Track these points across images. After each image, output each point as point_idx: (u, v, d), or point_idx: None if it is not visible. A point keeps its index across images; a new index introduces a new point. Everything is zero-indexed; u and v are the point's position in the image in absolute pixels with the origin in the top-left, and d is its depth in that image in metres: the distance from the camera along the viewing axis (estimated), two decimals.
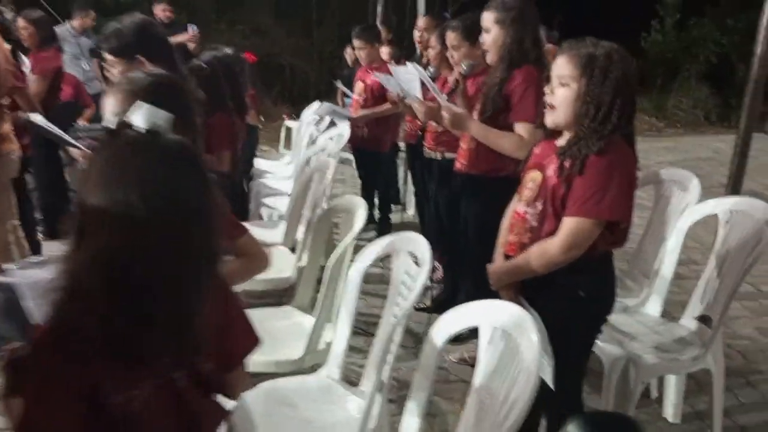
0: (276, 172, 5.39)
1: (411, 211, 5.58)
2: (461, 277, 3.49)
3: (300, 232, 3.39)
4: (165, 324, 1.08)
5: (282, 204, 4.25)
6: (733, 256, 2.42)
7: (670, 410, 2.73)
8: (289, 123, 7.68)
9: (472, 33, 3.04)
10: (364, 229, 5.07)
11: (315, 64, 12.50)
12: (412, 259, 2.08)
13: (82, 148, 2.60)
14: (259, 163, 5.71)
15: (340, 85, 6.51)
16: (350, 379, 2.32)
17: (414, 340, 3.26)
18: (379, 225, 5.20)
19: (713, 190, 4.86)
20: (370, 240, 2.42)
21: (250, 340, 1.30)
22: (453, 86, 2.91)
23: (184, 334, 1.11)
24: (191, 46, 5.82)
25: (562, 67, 1.89)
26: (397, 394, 2.74)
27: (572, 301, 1.98)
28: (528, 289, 2.04)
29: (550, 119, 1.95)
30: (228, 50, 4.31)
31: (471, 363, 2.31)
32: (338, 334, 2.25)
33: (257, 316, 2.66)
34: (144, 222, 1.03)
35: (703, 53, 12.35)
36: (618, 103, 1.83)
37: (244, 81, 4.53)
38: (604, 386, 2.42)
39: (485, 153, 2.72)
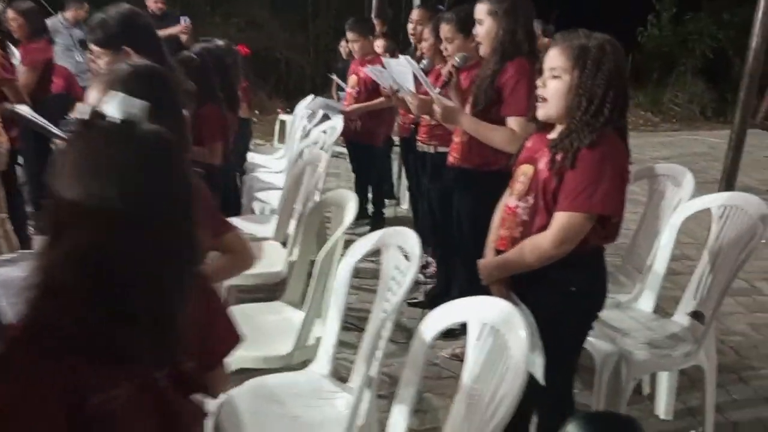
0: (269, 166, 5.36)
1: (405, 205, 5.55)
2: (454, 271, 3.47)
3: (292, 227, 3.36)
4: (144, 322, 1.05)
5: (274, 198, 4.23)
6: (726, 251, 2.40)
7: (662, 407, 2.71)
8: (283, 116, 7.65)
9: (466, 25, 3.01)
10: (358, 224, 5.13)
11: (311, 57, 12.47)
12: (402, 253, 2.05)
13: None
14: (252, 157, 5.67)
15: (335, 77, 6.47)
16: (342, 374, 2.31)
17: (406, 335, 3.24)
18: (373, 219, 5.17)
19: (708, 185, 4.83)
20: (363, 235, 2.39)
21: (232, 338, 1.27)
22: (446, 79, 2.88)
23: (164, 332, 1.08)
24: (183, 38, 5.76)
25: (554, 58, 1.86)
26: (388, 390, 2.71)
27: (563, 297, 1.96)
28: (519, 284, 2.01)
29: (542, 112, 1.93)
30: (220, 42, 4.28)
31: (463, 359, 2.29)
32: (328, 330, 2.23)
33: (247, 311, 2.69)
34: (120, 216, 1.00)
35: (699, 48, 12.34)
36: (610, 96, 1.80)
37: (236, 73, 4.49)
38: (596, 383, 2.40)
39: (477, 147, 2.69)
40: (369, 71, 3.76)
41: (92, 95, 1.60)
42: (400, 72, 3.09)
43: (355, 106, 4.79)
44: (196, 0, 11.28)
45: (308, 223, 2.76)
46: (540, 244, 1.89)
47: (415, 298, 3.87)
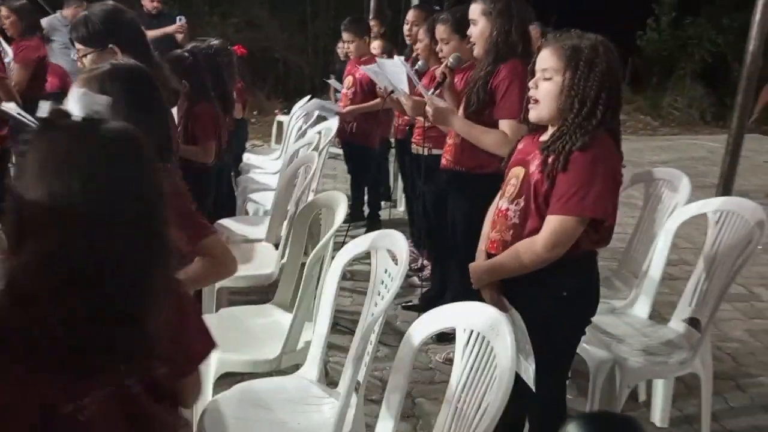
0: (265, 167, 5.32)
1: (401, 207, 5.51)
2: (449, 275, 3.43)
3: (285, 228, 3.32)
4: (115, 329, 1.01)
5: (268, 199, 4.18)
6: (722, 258, 2.36)
7: (658, 414, 2.67)
8: (280, 117, 7.61)
9: (461, 26, 2.97)
10: (354, 226, 5.10)
11: (309, 57, 12.44)
12: (391, 256, 2.01)
13: None
14: (248, 157, 5.64)
15: (332, 81, 6.44)
16: (335, 379, 2.26)
17: (400, 339, 3.19)
18: (368, 221, 5.13)
19: (706, 189, 4.80)
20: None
21: (206, 344, 1.22)
22: (440, 80, 2.84)
23: (136, 339, 1.04)
24: (179, 37, 5.73)
25: (545, 59, 1.83)
26: (381, 394, 2.67)
27: (555, 301, 1.92)
28: (510, 289, 1.98)
29: (534, 114, 1.89)
30: (214, 42, 4.24)
31: None
32: (316, 334, 2.18)
33: (236, 314, 2.65)
34: (85, 216, 0.96)
35: (698, 52, 12.32)
36: (603, 97, 1.76)
37: (231, 73, 4.46)
38: (590, 389, 2.36)
39: (470, 149, 2.65)
40: (366, 70, 3.72)
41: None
42: (395, 73, 3.05)
43: (351, 107, 4.75)
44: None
45: (298, 224, 2.72)
46: (531, 247, 1.85)
47: (410, 302, 3.83)
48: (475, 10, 2.61)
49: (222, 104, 3.68)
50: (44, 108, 0.98)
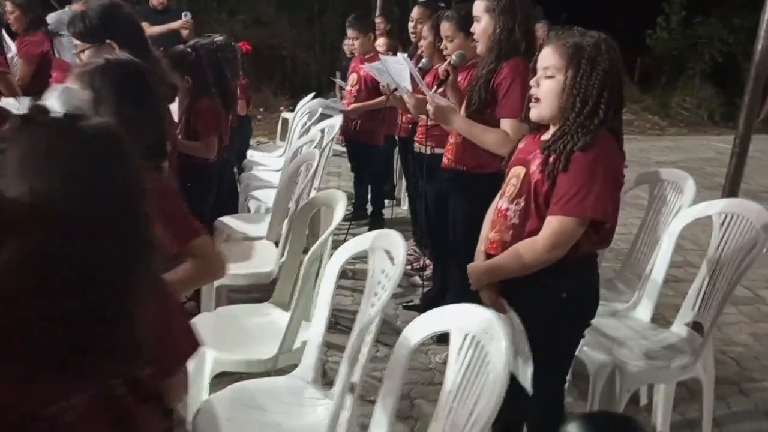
0: (268, 164, 5.30)
1: (405, 206, 5.48)
2: (451, 275, 3.40)
3: (285, 226, 3.30)
4: (98, 329, 0.99)
5: (270, 197, 4.16)
6: (726, 261, 2.32)
7: (660, 418, 2.61)
8: (286, 114, 7.59)
9: (466, 23, 2.92)
10: (357, 224, 5.06)
11: (316, 54, 12.40)
12: (389, 257, 1.98)
13: None
14: (252, 154, 5.62)
15: (337, 81, 6.41)
16: (333, 379, 2.23)
17: None
18: (371, 220, 5.10)
19: (714, 191, 4.75)
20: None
21: (190, 344, 1.20)
22: (443, 77, 2.81)
23: (120, 339, 1.02)
24: (185, 33, 5.71)
25: (547, 57, 1.79)
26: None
27: (554, 303, 1.89)
28: (509, 290, 1.95)
29: (535, 112, 1.86)
30: (218, 38, 4.23)
31: None
32: (313, 334, 2.16)
33: (233, 313, 2.63)
34: (66, 215, 0.93)
35: (708, 52, 12.22)
36: (605, 96, 1.73)
37: (235, 69, 4.45)
38: (590, 393, 2.33)
39: (472, 148, 2.62)
40: (369, 67, 3.69)
41: None
42: (397, 70, 3.02)
43: (355, 105, 4.72)
44: None
45: (298, 223, 2.70)
46: (530, 248, 1.82)
47: (411, 301, 3.81)
48: (478, 7, 2.58)
49: (223, 100, 3.66)
50: (24, 104, 0.95)
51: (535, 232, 1.83)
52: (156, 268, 1.10)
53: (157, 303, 1.10)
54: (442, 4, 4.00)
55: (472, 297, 2.03)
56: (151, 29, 5.79)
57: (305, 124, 4.91)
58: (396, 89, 3.20)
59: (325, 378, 2.60)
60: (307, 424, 1.92)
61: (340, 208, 2.42)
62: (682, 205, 2.68)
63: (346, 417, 1.85)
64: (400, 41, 5.34)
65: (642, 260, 2.82)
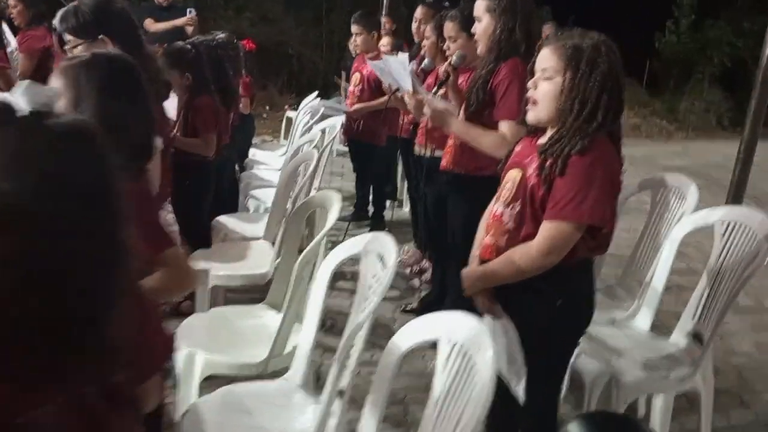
0: (270, 163, 5.26)
1: (407, 207, 5.44)
2: (450, 278, 3.35)
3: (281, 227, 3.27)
4: (71, 334, 0.95)
5: (270, 196, 4.12)
6: (727, 270, 2.27)
7: (657, 429, 2.57)
8: (290, 113, 7.56)
9: (470, 24, 2.88)
10: (358, 225, 5.03)
11: (323, 53, 12.38)
12: (380, 260, 1.94)
13: None
14: (254, 153, 5.59)
15: (342, 81, 6.38)
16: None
17: None
18: (372, 221, 5.07)
19: (720, 197, 4.69)
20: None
21: (165, 349, 1.17)
22: (443, 77, 2.77)
23: (94, 344, 0.98)
24: (189, 30, 5.68)
25: (546, 59, 1.75)
26: None
27: (550, 310, 1.85)
28: (504, 296, 1.91)
29: (532, 115, 1.81)
30: (221, 35, 4.20)
31: None
32: (303, 337, 2.12)
33: (226, 314, 2.59)
34: (37, 217, 0.90)
35: (717, 56, 12.14)
36: (604, 99, 1.69)
37: (237, 67, 4.41)
38: (585, 403, 2.28)
39: (470, 151, 2.57)
40: (371, 65, 3.65)
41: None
42: (399, 70, 2.98)
43: (358, 106, 4.68)
44: None
45: (293, 223, 2.66)
46: (525, 254, 1.78)
47: (409, 304, 3.77)
48: (479, 7, 2.54)
49: (224, 98, 3.63)
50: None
51: (531, 237, 1.78)
52: (131, 271, 1.06)
53: (132, 307, 1.07)
54: (447, 4, 3.96)
55: (470, 301, 1.99)
56: (155, 26, 5.78)
57: (308, 122, 4.88)
58: (398, 89, 3.16)
59: (319, 382, 2.56)
60: (294, 430, 1.88)
61: (335, 209, 2.38)
62: (684, 211, 2.63)
63: (334, 423, 1.82)
64: (406, 41, 5.30)
65: (643, 267, 2.77)
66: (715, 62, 12.24)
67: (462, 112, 2.65)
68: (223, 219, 3.59)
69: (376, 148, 4.82)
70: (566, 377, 2.55)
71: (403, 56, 3.05)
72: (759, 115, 2.87)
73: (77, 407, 1.01)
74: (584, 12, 10.60)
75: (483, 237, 1.96)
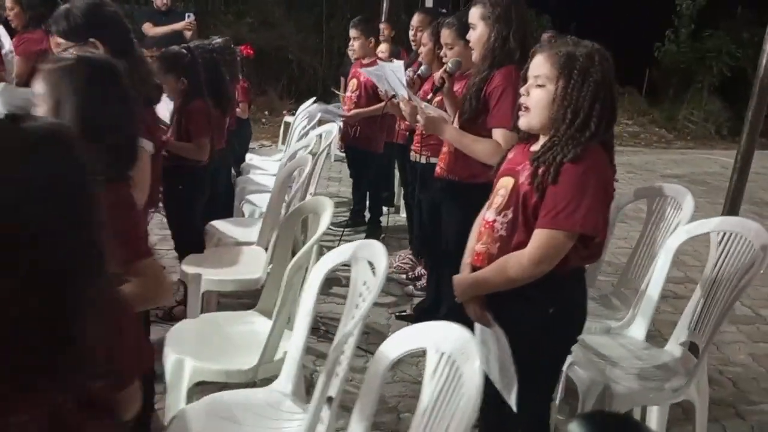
0: (266, 168, 5.24)
1: (404, 214, 5.42)
2: (444, 285, 3.33)
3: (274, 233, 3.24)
4: (46, 343, 0.93)
5: (265, 201, 4.10)
6: (723, 280, 2.25)
7: None
8: (288, 118, 7.55)
9: (467, 31, 2.87)
10: (355, 231, 5.00)
11: (323, 59, 12.38)
12: (371, 268, 1.92)
13: None
14: (251, 158, 5.58)
15: (339, 92, 6.37)
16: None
17: None
18: (368, 227, 5.05)
19: (718, 207, 4.65)
20: None
21: (142, 357, 1.14)
22: (438, 84, 2.75)
23: (69, 353, 0.96)
24: (188, 34, 5.67)
25: (538, 66, 1.74)
26: None
27: (541, 318, 1.83)
28: (495, 304, 1.88)
29: (524, 121, 1.80)
30: (217, 39, 4.19)
31: None
32: (293, 345, 2.09)
33: (217, 320, 2.57)
34: (8, 223, 0.88)
35: (717, 65, 12.15)
36: (597, 109, 1.67)
37: (234, 72, 4.41)
38: (578, 413, 2.25)
39: (464, 158, 2.56)
40: (367, 72, 3.63)
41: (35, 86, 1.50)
42: (394, 76, 2.97)
43: (355, 111, 4.66)
44: None
45: (285, 229, 2.64)
46: (517, 262, 1.76)
47: (404, 311, 3.74)
48: (474, 14, 2.53)
49: (219, 102, 3.62)
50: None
51: (523, 245, 1.76)
52: (107, 278, 1.04)
53: (108, 314, 1.05)
54: (444, 10, 3.95)
55: (464, 309, 1.97)
56: (154, 30, 5.78)
57: (304, 127, 4.86)
58: (394, 96, 3.15)
59: (312, 389, 2.54)
60: None
61: (327, 215, 2.36)
62: (680, 220, 2.61)
63: (322, 431, 1.80)
64: (405, 49, 5.29)
65: (639, 276, 2.75)
66: (715, 72, 12.24)
67: (456, 119, 2.63)
68: (217, 224, 3.57)
69: (373, 155, 4.80)
70: (561, 385, 2.54)
71: (399, 63, 3.04)
72: (756, 125, 2.84)
73: (53, 417, 0.99)
74: (585, 20, 10.62)
75: (474, 244, 1.94)
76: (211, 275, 2.87)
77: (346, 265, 2.08)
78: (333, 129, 4.27)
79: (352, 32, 4.68)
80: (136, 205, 1.57)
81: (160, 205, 3.37)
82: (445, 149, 2.77)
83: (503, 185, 1.85)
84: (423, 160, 3.23)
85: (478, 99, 2.47)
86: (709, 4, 12.13)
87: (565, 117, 1.69)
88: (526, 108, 1.78)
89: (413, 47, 4.42)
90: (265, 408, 1.98)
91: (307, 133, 4.63)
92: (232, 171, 5.04)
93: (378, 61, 4.00)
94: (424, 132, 2.70)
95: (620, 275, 2.94)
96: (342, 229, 4.43)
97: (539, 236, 1.72)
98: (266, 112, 10.90)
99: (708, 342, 2.19)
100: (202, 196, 3.43)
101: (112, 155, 1.32)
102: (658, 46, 12.71)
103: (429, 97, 2.87)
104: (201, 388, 2.31)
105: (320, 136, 4.22)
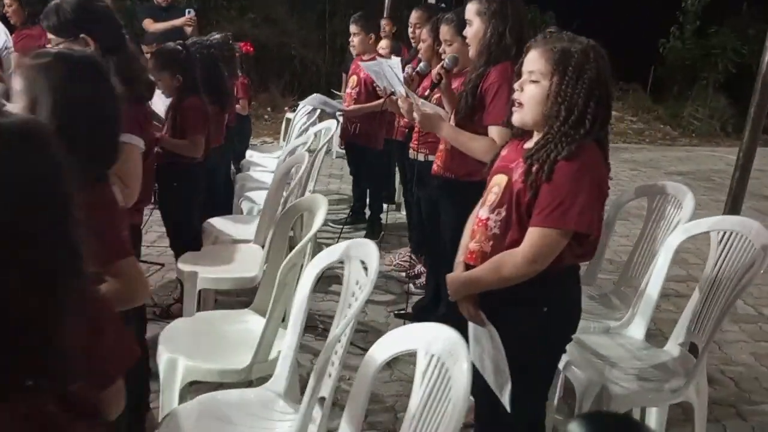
0: (266, 165, 5.22)
1: (404, 211, 5.39)
2: (442, 283, 3.30)
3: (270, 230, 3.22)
4: (23, 344, 0.91)
5: (263, 198, 4.09)
6: (724, 278, 2.21)
7: None
8: (289, 114, 7.53)
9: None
10: (355, 229, 4.98)
11: (326, 55, 12.35)
12: (363, 267, 1.89)
13: None
14: (251, 155, 5.56)
15: (340, 94, 6.35)
16: None
17: None
18: (368, 225, 5.02)
19: (721, 204, 4.59)
20: None
21: (125, 355, 1.13)
22: (435, 80, 2.72)
23: (48, 354, 0.94)
24: (188, 30, 5.65)
25: (533, 61, 1.70)
26: None
27: (535, 317, 1.80)
28: (489, 302, 1.86)
29: (518, 117, 1.77)
30: (216, 36, 4.17)
31: None
32: (286, 344, 2.07)
33: (212, 319, 2.55)
34: None
35: (722, 62, 12.07)
36: (592, 107, 1.64)
37: (232, 68, 4.38)
38: (576, 413, 2.22)
39: (460, 156, 2.53)
40: (366, 68, 3.60)
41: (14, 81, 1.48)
42: (392, 73, 2.94)
43: (355, 106, 4.64)
44: None
45: (281, 227, 2.61)
46: (511, 260, 1.73)
47: (403, 309, 3.72)
48: (470, 10, 2.50)
49: (217, 98, 3.60)
50: None
51: (516, 243, 1.74)
52: (84, 276, 1.02)
53: (87, 313, 1.03)
54: (443, 5, 3.92)
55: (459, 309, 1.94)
56: (154, 26, 5.75)
57: (304, 124, 4.84)
58: (393, 93, 3.12)
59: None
60: None
61: (321, 213, 2.33)
62: (681, 219, 2.57)
63: (314, 431, 1.77)
64: (406, 46, 5.25)
65: (638, 275, 2.72)
66: (720, 69, 12.16)
67: (453, 116, 2.60)
68: (214, 221, 3.55)
69: (372, 152, 4.78)
70: (560, 385, 2.51)
71: (396, 59, 3.01)
72: (759, 122, 2.80)
73: (33, 418, 0.97)
74: (589, 17, 10.55)
75: (468, 242, 1.91)
76: (207, 273, 2.85)
77: (343, 263, 2.06)
78: (332, 126, 4.24)
79: (353, 28, 4.65)
80: (117, 204, 1.55)
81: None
82: (441, 147, 2.74)
83: (496, 182, 1.83)
84: (421, 158, 3.20)
85: (474, 96, 2.44)
86: (714, 0, 12.05)
87: (559, 114, 1.66)
88: (520, 104, 1.75)
89: (412, 43, 4.39)
90: (258, 408, 1.96)
91: (306, 130, 4.60)
92: (232, 168, 5.02)
93: (377, 57, 3.97)
94: (422, 128, 2.66)
95: (620, 273, 2.91)
96: (341, 227, 4.41)
97: (533, 234, 1.70)
98: (268, 109, 10.88)
99: (708, 342, 2.16)
100: (197, 193, 3.41)
101: (90, 154, 1.30)
102: (663, 42, 12.64)
103: (427, 93, 2.84)
104: (196, 387, 2.29)
105: (318, 133, 4.19)
